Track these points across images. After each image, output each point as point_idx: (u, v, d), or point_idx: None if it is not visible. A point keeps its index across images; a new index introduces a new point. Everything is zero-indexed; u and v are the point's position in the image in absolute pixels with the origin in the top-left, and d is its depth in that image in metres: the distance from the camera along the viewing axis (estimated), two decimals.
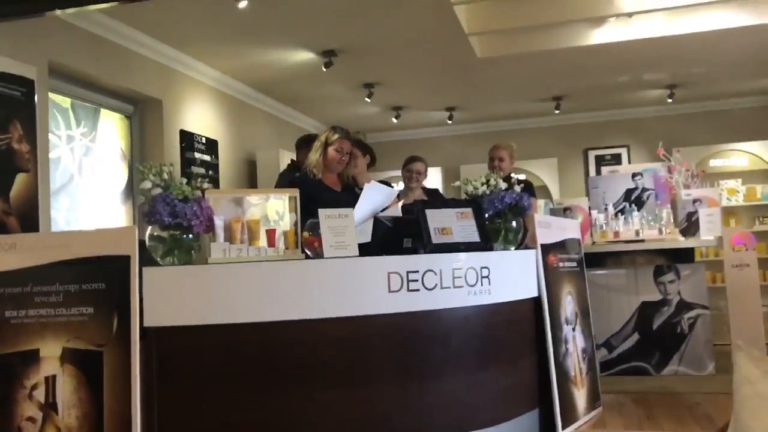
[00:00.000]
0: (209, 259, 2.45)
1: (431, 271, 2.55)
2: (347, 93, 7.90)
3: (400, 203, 3.21)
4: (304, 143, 4.20)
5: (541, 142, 9.66)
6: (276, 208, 2.71)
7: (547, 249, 3.12)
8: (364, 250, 2.64)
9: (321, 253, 2.54)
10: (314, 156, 3.45)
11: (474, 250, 2.74)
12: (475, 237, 2.79)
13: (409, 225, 2.92)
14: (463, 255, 2.68)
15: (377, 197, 3.08)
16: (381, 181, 3.83)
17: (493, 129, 9.85)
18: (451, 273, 2.60)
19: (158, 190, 2.46)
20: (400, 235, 2.88)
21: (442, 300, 2.56)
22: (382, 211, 3.09)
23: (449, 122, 9.40)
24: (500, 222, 3.02)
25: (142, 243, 2.40)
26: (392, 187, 3.40)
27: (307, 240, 2.63)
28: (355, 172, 3.70)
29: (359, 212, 2.90)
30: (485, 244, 2.81)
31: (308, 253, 2.62)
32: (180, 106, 6.22)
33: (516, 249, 3.06)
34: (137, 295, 2.19)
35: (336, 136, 3.46)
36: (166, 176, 2.49)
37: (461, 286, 2.62)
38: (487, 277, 2.71)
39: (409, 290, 2.49)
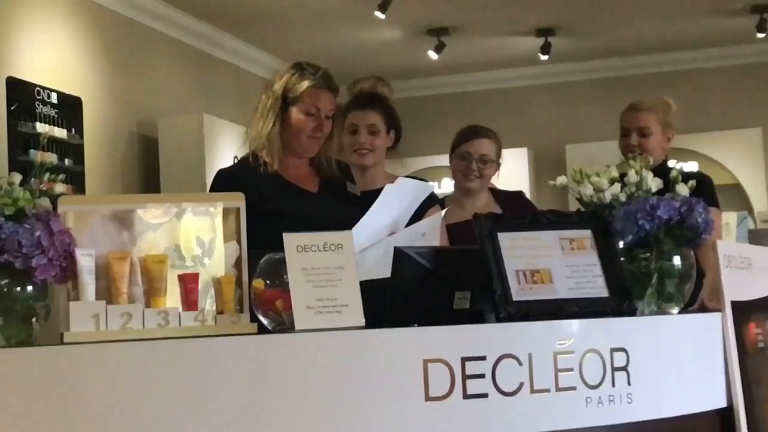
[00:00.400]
0: (66, 335, 2.45)
1: (511, 357, 2.56)
2: (341, 1, 7.98)
3: (442, 214, 3.24)
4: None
5: (730, 100, 9.70)
6: (199, 232, 2.72)
7: (745, 311, 3.11)
8: (375, 311, 2.64)
9: (288, 320, 2.55)
10: (263, 125, 3.48)
11: (598, 315, 2.75)
12: (599, 288, 2.81)
13: (463, 264, 2.92)
14: (575, 325, 2.69)
15: (404, 202, 3.14)
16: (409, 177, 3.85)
17: (631, 72, 9.89)
18: (552, 362, 2.61)
19: None
20: (445, 283, 2.89)
21: (533, 416, 2.57)
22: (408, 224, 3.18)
23: (543, 59, 9.46)
24: (649, 257, 3.03)
25: None
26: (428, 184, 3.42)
27: (261, 295, 2.63)
28: (358, 161, 3.72)
29: (371, 227, 3.00)
30: (620, 303, 2.82)
31: (264, 321, 2.63)
32: (6, 31, 6.29)
33: (682, 312, 3.08)
34: None
35: (306, 83, 3.48)
36: None
37: (572, 388, 2.63)
38: (625, 369, 2.71)
39: (466, 396, 2.50)
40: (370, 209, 3.15)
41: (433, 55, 9.14)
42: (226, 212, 2.73)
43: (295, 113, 3.47)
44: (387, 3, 7.69)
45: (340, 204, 3.43)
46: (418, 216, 3.62)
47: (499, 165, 4.52)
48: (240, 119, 8.43)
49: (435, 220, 3.24)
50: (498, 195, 4.56)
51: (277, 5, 8.03)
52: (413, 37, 9.08)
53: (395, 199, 3.21)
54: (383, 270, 2.88)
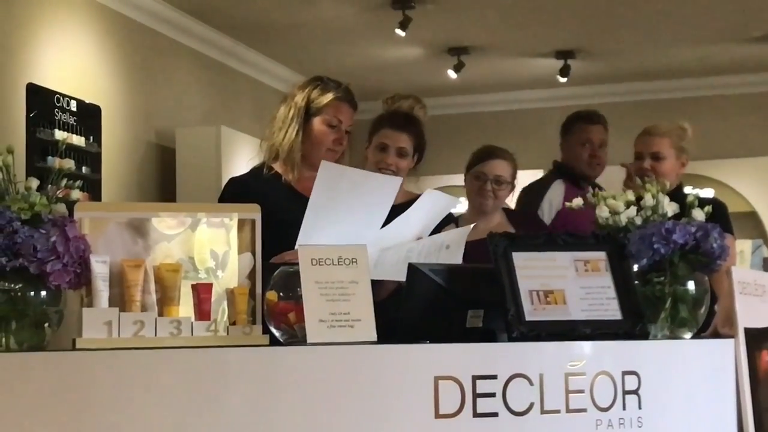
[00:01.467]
0: (79, 341, 2.46)
1: (523, 377, 2.57)
2: (362, 18, 8.00)
3: (470, 228, 3.24)
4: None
5: (748, 127, 9.68)
6: (213, 245, 2.73)
7: (758, 339, 3.11)
8: (387, 326, 2.64)
9: (300, 333, 2.55)
10: (284, 136, 3.49)
11: (611, 338, 2.75)
12: (612, 311, 2.81)
13: (476, 282, 2.92)
14: (587, 347, 2.69)
15: (432, 212, 3.16)
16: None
17: (648, 96, 9.88)
18: (563, 383, 2.61)
19: None
20: (458, 301, 2.89)
21: None
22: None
23: (562, 81, 9.45)
24: (663, 281, 3.03)
25: None
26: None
27: (274, 307, 2.64)
28: None
29: (398, 233, 2.99)
30: (633, 326, 2.82)
31: (276, 333, 2.63)
32: (28, 38, 6.32)
33: (694, 337, 3.07)
34: None
35: (330, 95, 3.50)
36: None
37: (583, 410, 2.63)
38: (636, 392, 2.72)
39: (476, 414, 2.50)
40: (401, 216, 3.17)
41: (452, 74, 9.14)
42: (241, 223, 2.73)
43: (317, 124, 3.48)
44: (407, 21, 7.70)
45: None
46: (433, 231, 3.63)
47: (514, 186, 4.51)
48: (257, 132, 8.41)
49: (461, 233, 3.23)
50: (511, 215, 4.55)
51: (298, 20, 8.05)
52: (433, 56, 9.09)
53: (425, 209, 3.21)
54: (400, 273, 2.88)
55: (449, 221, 3.86)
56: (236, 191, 3.46)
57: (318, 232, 2.96)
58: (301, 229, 2.98)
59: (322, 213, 3.02)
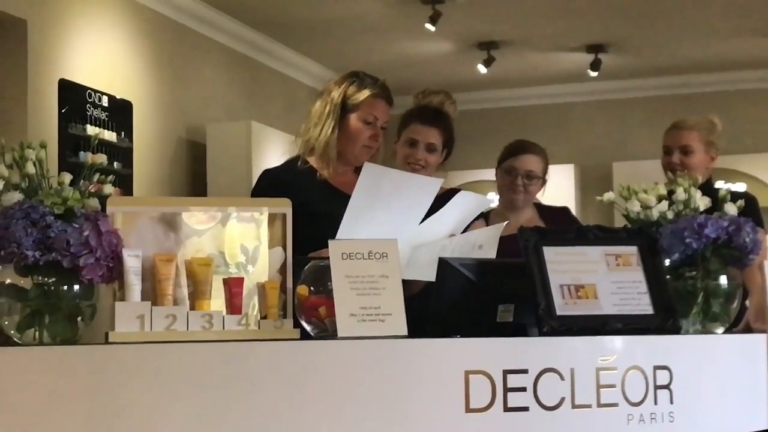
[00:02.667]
0: (111, 334, 2.47)
1: (553, 371, 2.56)
2: (391, 13, 8.00)
3: (503, 226, 3.25)
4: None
5: None
6: (243, 240, 2.74)
7: None
8: (417, 320, 2.65)
9: (331, 327, 2.56)
10: (320, 131, 3.49)
11: (642, 332, 2.74)
12: (644, 306, 2.80)
13: (507, 277, 2.92)
14: (618, 342, 2.69)
15: (465, 213, 3.19)
16: (450, 190, 3.88)
17: (679, 90, 9.84)
18: (594, 378, 2.61)
19: (15, 197, 2.50)
20: (488, 295, 2.89)
21: (574, 431, 2.58)
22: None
23: (593, 75, 9.43)
24: (695, 276, 3.02)
25: None
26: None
27: (305, 301, 2.65)
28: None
29: (431, 233, 3.00)
30: (664, 320, 2.81)
31: (306, 327, 2.64)
32: (60, 34, 6.36)
33: (726, 332, 3.07)
34: None
35: (366, 91, 3.51)
36: (31, 169, 2.52)
37: (614, 405, 2.63)
38: (668, 387, 2.71)
39: (507, 409, 2.50)
40: (433, 215, 3.18)
41: (482, 68, 9.13)
42: (272, 218, 2.74)
43: (353, 121, 3.48)
44: (438, 16, 7.70)
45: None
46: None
47: (545, 181, 4.50)
48: (287, 127, 8.46)
49: (494, 232, 3.22)
50: (542, 210, 4.54)
51: (328, 15, 8.06)
52: (463, 51, 9.08)
53: (458, 209, 3.21)
54: (432, 274, 2.88)
55: (478, 216, 3.87)
56: (270, 183, 3.47)
57: (356, 231, 2.96)
58: (340, 228, 2.98)
59: (362, 213, 3.03)
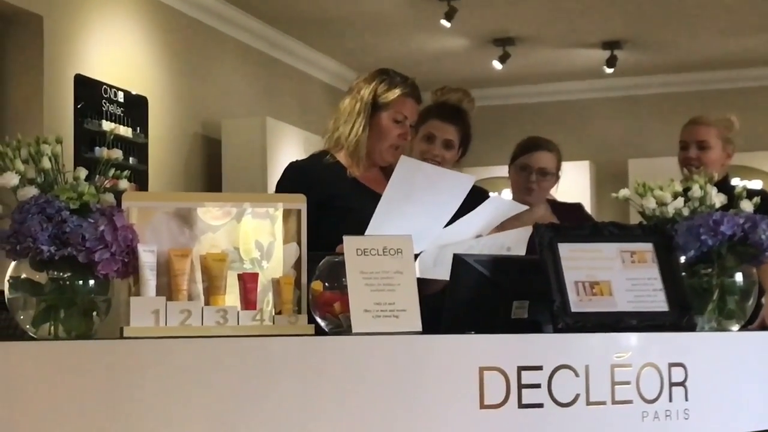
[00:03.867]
0: (126, 329, 2.48)
1: (568, 368, 2.57)
2: (407, 9, 8.00)
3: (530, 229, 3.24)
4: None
5: None
6: (258, 235, 2.74)
7: None
8: (432, 318, 2.64)
9: (345, 323, 2.56)
10: (350, 130, 3.49)
11: (657, 329, 2.75)
12: (659, 303, 2.80)
13: (522, 273, 2.92)
14: (633, 338, 2.69)
15: (495, 217, 3.21)
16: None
17: (696, 87, 9.82)
18: (609, 375, 2.61)
19: (31, 191, 2.50)
20: (503, 292, 2.90)
21: (588, 428, 2.58)
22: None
23: (608, 72, 9.42)
24: (710, 273, 3.02)
25: None
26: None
27: (319, 297, 2.65)
28: None
29: (459, 230, 3.02)
30: (680, 318, 2.81)
31: (321, 323, 2.65)
32: (76, 30, 6.37)
33: (742, 329, 3.06)
34: None
35: (397, 90, 3.51)
36: (47, 164, 2.52)
37: (629, 402, 2.63)
38: (683, 384, 2.71)
39: (521, 405, 2.51)
40: (464, 217, 3.18)
41: (497, 65, 9.12)
42: (287, 213, 2.74)
43: (384, 119, 3.48)
44: (453, 12, 7.70)
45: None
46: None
47: (558, 178, 4.49)
48: (302, 124, 8.47)
49: (523, 234, 3.22)
50: (556, 206, 4.53)
51: (343, 12, 8.07)
52: (478, 47, 9.08)
53: (489, 212, 3.20)
54: (440, 272, 2.89)
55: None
56: (296, 175, 3.47)
57: (387, 224, 2.96)
58: (372, 219, 2.98)
59: (395, 206, 3.02)
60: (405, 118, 3.51)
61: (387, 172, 3.51)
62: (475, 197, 3.74)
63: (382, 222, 2.99)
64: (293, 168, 3.60)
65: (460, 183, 3.19)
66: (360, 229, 2.88)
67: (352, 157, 3.51)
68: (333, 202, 3.21)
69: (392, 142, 3.50)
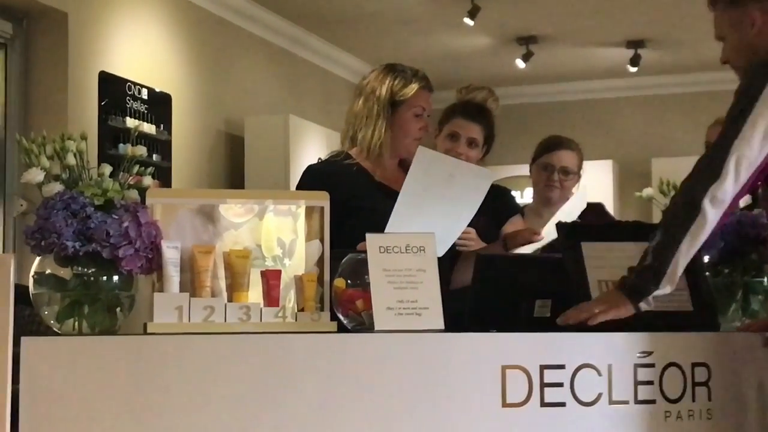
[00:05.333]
0: (150, 325, 2.49)
1: (591, 367, 2.58)
2: (430, 7, 7.99)
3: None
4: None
5: None
6: (279, 233, 2.75)
7: None
8: (453, 315, 2.65)
9: (368, 321, 2.57)
10: (372, 133, 3.47)
11: (681, 329, 2.74)
12: (683, 302, 2.79)
13: (544, 272, 2.92)
14: (656, 338, 2.68)
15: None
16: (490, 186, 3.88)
17: (720, 86, 9.74)
18: (632, 374, 2.62)
19: (56, 187, 2.51)
20: (526, 291, 2.90)
21: (610, 427, 2.59)
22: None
23: (632, 70, 9.38)
24: (734, 273, 3.03)
25: (22, 289, 2.44)
26: (512, 199, 3.41)
27: (342, 294, 2.65)
28: None
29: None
30: (703, 317, 2.80)
31: (343, 320, 2.65)
32: (101, 27, 6.40)
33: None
34: (8, 393, 2.23)
35: (414, 85, 3.49)
36: (72, 160, 2.54)
37: (652, 402, 2.63)
38: (706, 384, 2.70)
39: (543, 404, 2.51)
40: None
41: (520, 63, 9.10)
42: (309, 211, 2.74)
43: (404, 116, 3.46)
44: (476, 10, 7.68)
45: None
46: (498, 219, 3.61)
47: (580, 176, 4.48)
48: (325, 121, 8.47)
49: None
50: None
51: (366, 9, 8.06)
52: (501, 45, 9.05)
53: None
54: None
55: (515, 212, 3.85)
56: (314, 179, 3.45)
57: (408, 220, 2.95)
58: (393, 214, 2.98)
59: (415, 200, 3.01)
60: (423, 110, 3.49)
61: (404, 168, 3.50)
62: (497, 196, 3.74)
63: (402, 217, 2.98)
64: (312, 172, 3.58)
65: (480, 175, 3.18)
66: (381, 228, 2.88)
67: (376, 161, 3.48)
68: (354, 204, 3.20)
69: (415, 136, 3.48)
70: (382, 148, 3.45)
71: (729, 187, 2.58)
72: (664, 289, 2.59)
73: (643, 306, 2.60)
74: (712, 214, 2.58)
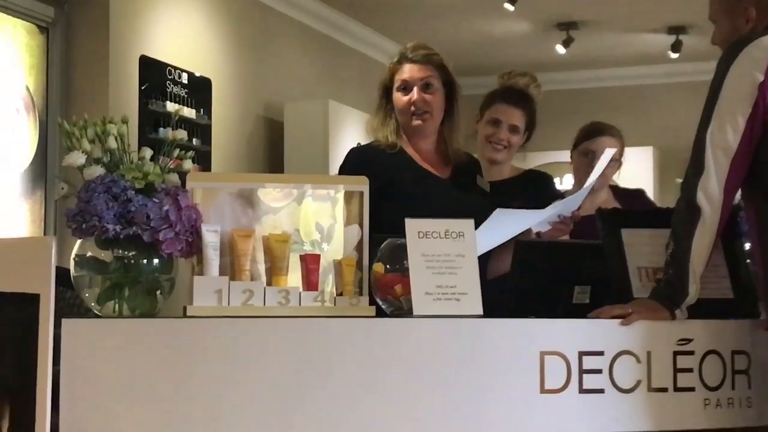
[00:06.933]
0: (189, 308, 2.50)
1: (630, 354, 2.58)
2: None
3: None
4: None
5: None
6: (318, 217, 2.76)
7: None
8: (490, 306, 2.64)
9: (406, 305, 2.57)
10: (379, 125, 3.51)
11: (720, 315, 2.73)
12: (724, 290, 2.78)
13: (584, 258, 2.91)
14: (696, 325, 2.67)
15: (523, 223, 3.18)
16: (528, 171, 3.85)
17: None
18: (671, 361, 2.61)
19: (97, 171, 2.52)
20: (565, 277, 2.89)
21: (649, 414, 2.58)
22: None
23: (673, 57, 9.31)
24: None
25: (63, 272, 2.46)
26: (553, 185, 3.39)
27: (381, 279, 2.66)
28: (492, 154, 3.71)
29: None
30: (744, 305, 2.79)
31: (382, 305, 2.66)
32: (142, 12, 6.42)
33: None
34: (48, 374, 2.25)
35: (394, 61, 3.50)
36: (113, 144, 2.55)
37: (691, 389, 2.63)
38: (746, 372, 2.69)
39: (582, 390, 2.52)
40: (525, 212, 3.17)
41: (560, 49, 9.06)
42: (348, 195, 2.74)
43: (395, 96, 3.46)
44: None
45: (471, 193, 3.41)
46: (538, 206, 3.60)
47: (621, 164, 4.46)
48: (364, 106, 8.45)
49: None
50: (618, 192, 4.49)
51: None
52: (541, 31, 9.01)
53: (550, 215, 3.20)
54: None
55: (556, 197, 3.84)
56: (357, 161, 3.45)
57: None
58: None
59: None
60: (405, 81, 3.44)
61: (446, 154, 3.49)
62: (537, 183, 3.72)
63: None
64: (355, 153, 3.58)
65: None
66: (421, 213, 2.87)
67: (415, 144, 3.46)
68: (394, 188, 3.19)
69: (404, 110, 3.42)
70: (394, 132, 3.45)
71: (713, 179, 2.63)
72: (691, 297, 2.61)
73: (678, 314, 2.62)
74: (708, 209, 2.62)
